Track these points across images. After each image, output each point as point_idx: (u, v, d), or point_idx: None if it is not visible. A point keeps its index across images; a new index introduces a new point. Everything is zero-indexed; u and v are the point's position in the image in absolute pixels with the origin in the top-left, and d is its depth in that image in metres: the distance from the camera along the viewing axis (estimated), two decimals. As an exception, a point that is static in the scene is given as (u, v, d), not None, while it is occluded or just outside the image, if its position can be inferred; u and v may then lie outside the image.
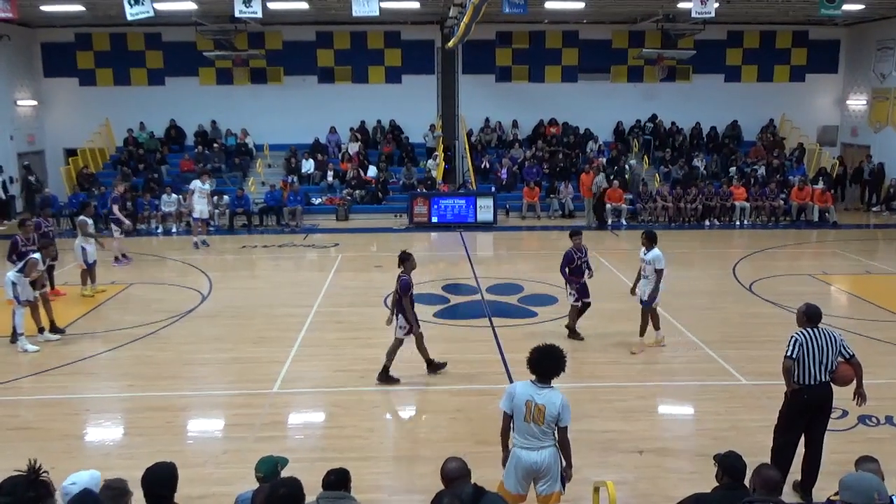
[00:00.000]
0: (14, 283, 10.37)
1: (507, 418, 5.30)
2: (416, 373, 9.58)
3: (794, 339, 6.21)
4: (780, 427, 6.43)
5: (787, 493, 6.20)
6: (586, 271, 10.68)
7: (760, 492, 4.14)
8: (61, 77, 24.39)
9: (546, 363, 5.25)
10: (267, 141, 24.64)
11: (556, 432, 5.23)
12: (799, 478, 6.42)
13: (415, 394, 8.99)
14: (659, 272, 9.84)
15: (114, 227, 16.25)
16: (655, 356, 10.12)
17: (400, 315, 8.92)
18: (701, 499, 4.41)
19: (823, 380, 6.16)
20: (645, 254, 9.97)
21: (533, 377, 5.30)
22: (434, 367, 9.25)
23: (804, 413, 6.26)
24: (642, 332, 10.14)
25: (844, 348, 6.24)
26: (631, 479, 6.69)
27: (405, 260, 8.96)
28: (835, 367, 6.19)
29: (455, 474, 4.41)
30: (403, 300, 8.83)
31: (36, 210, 17.38)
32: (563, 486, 5.35)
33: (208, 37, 23.00)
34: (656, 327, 10.26)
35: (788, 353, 6.18)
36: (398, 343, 9.01)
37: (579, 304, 10.65)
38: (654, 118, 25.27)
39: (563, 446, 5.30)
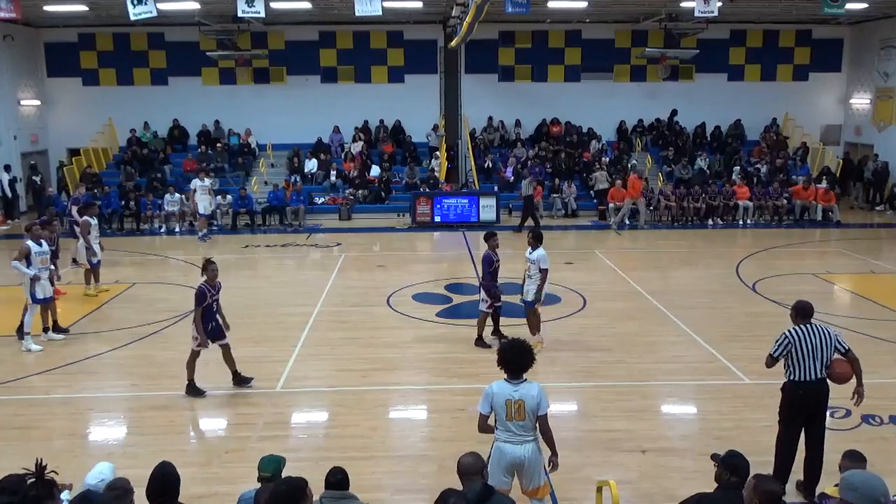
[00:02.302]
0: (32, 281, 10.38)
1: (484, 419, 5.37)
2: (419, 372, 9.60)
3: (783, 337, 6.24)
4: (780, 424, 6.44)
5: (791, 493, 6.20)
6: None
7: None
8: (65, 77, 24.44)
9: (516, 358, 5.30)
10: (270, 140, 24.67)
11: (537, 423, 5.27)
12: (801, 478, 6.42)
13: (417, 393, 8.99)
14: (543, 272, 9.85)
15: (76, 228, 15.01)
16: (658, 356, 10.12)
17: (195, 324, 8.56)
18: (704, 498, 4.40)
19: (819, 376, 6.18)
20: (530, 253, 9.95)
21: (505, 376, 5.34)
22: (193, 388, 8.70)
23: (801, 409, 6.27)
24: (534, 330, 10.11)
25: (840, 343, 6.25)
26: (634, 479, 6.68)
27: (207, 268, 8.60)
28: (829, 362, 6.19)
29: (470, 470, 4.41)
30: (195, 312, 8.45)
31: (40, 210, 17.36)
32: (549, 474, 5.38)
33: (211, 37, 23.04)
34: (536, 330, 10.16)
35: (773, 353, 6.27)
36: (195, 355, 8.69)
37: (492, 310, 10.36)
38: (674, 113, 25.06)
39: (546, 434, 5.34)
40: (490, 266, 10.20)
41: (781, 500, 4.11)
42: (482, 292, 10.35)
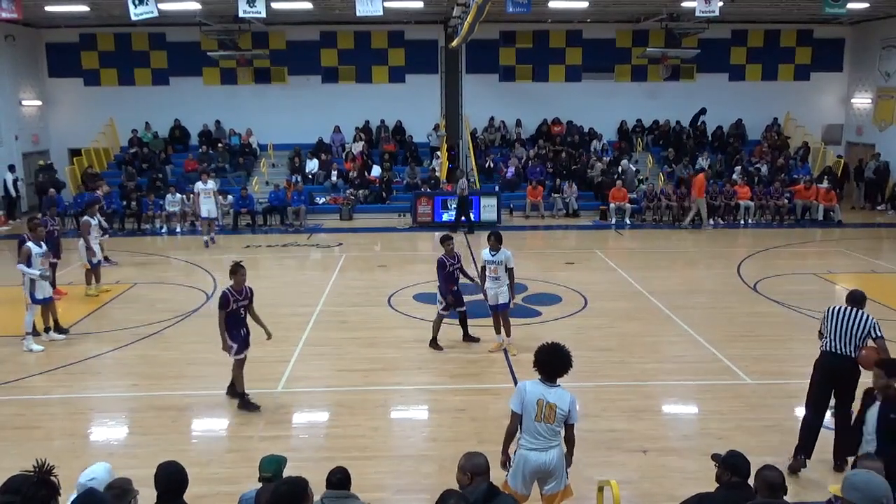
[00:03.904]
0: (33, 281, 10.40)
1: (517, 417, 5.26)
2: (420, 372, 9.60)
3: (825, 313, 6.86)
4: (807, 395, 6.90)
5: (799, 492, 6.19)
6: (470, 280, 10.40)
7: (763, 493, 4.11)
8: (66, 77, 24.47)
9: (553, 362, 5.26)
10: (271, 140, 24.69)
11: (563, 430, 5.26)
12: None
13: (418, 393, 9.00)
14: (511, 271, 9.84)
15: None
16: (659, 356, 10.11)
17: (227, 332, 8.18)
18: (705, 498, 4.40)
19: (845, 353, 6.59)
20: (493, 255, 9.83)
21: (539, 377, 5.29)
22: (242, 399, 8.37)
23: (825, 379, 6.72)
24: (508, 332, 10.07)
25: (874, 329, 6.63)
26: (635, 479, 6.68)
27: (234, 272, 8.24)
28: (861, 346, 6.61)
29: (478, 470, 4.40)
30: (219, 315, 8.09)
31: (42, 209, 17.40)
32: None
33: (212, 37, 23.05)
34: (498, 331, 10.15)
35: (820, 328, 6.99)
36: (238, 364, 8.34)
37: (447, 312, 10.27)
38: (703, 112, 24.89)
39: (570, 443, 5.35)
40: (444, 269, 10.11)
41: (783, 488, 4.12)
42: (438, 294, 10.32)
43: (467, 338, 10.53)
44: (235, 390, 8.54)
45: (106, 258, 15.57)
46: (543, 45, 24.94)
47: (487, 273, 9.94)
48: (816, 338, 7.12)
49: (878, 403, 5.47)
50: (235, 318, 8.21)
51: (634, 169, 23.03)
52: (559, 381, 5.29)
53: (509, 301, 9.97)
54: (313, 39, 24.60)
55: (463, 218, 20.12)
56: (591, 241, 18.74)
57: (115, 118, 24.53)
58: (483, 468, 4.41)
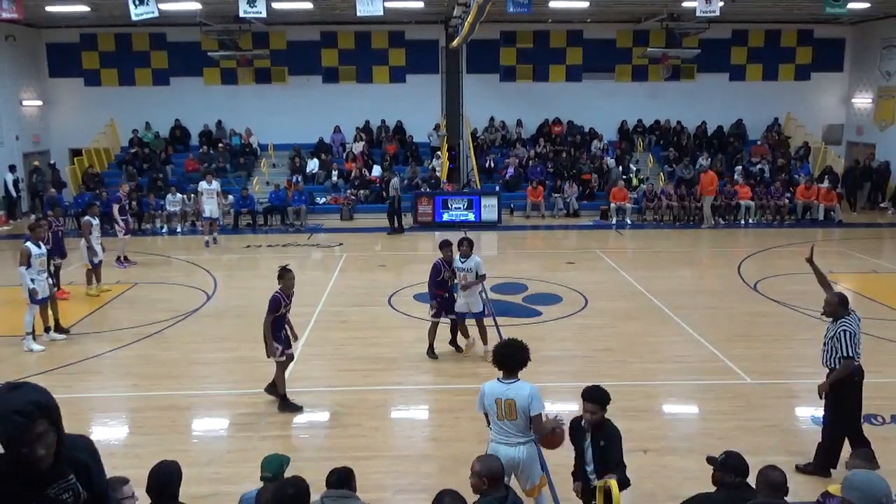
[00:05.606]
0: (32, 281, 10.40)
1: (485, 418, 5.47)
2: (420, 372, 9.60)
3: (850, 333, 6.38)
4: (851, 414, 6.62)
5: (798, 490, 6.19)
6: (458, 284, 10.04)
7: (764, 493, 4.12)
8: (66, 77, 24.48)
9: (509, 357, 5.34)
10: (271, 141, 24.69)
11: (530, 424, 5.27)
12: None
13: (419, 393, 9.00)
14: (482, 278, 9.77)
15: (117, 227, 16.02)
16: (660, 356, 10.11)
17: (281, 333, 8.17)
18: (705, 498, 4.40)
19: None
20: (463, 262, 9.73)
21: (500, 375, 5.38)
22: (288, 404, 8.29)
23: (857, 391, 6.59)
24: (485, 339, 9.82)
25: None
26: (635, 479, 6.62)
27: (283, 276, 8.23)
28: None
29: (499, 474, 4.35)
30: (266, 319, 8.06)
31: (44, 210, 17.49)
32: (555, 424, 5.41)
33: (213, 37, 23.05)
34: (466, 335, 10.05)
35: (850, 353, 6.34)
36: (281, 366, 8.28)
37: (439, 319, 9.98)
38: (703, 125, 25.15)
39: (540, 433, 5.34)
40: (437, 275, 9.96)
41: (782, 487, 4.13)
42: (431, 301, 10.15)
43: (454, 343, 10.31)
44: (276, 391, 8.46)
45: (125, 258, 15.79)
46: (544, 45, 24.94)
47: (458, 280, 9.85)
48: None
49: (588, 435, 5.21)
50: (280, 322, 8.25)
51: (635, 168, 23.05)
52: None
53: (483, 308, 9.86)
54: (314, 39, 24.60)
55: (395, 219, 20.03)
56: (592, 241, 18.74)
57: (115, 118, 24.55)
58: (499, 472, 4.33)
